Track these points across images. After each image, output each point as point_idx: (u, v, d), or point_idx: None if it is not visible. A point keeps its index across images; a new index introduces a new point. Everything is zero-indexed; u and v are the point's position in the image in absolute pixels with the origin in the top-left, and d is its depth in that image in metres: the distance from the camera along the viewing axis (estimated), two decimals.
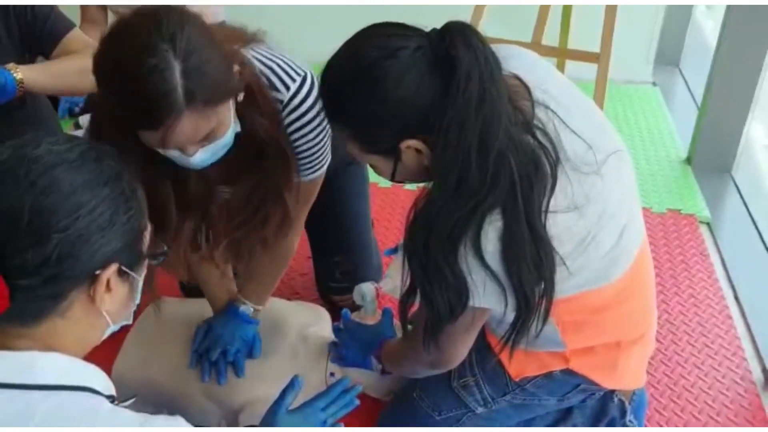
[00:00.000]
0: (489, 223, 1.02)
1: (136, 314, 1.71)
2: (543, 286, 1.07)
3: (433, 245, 1.04)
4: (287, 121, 1.31)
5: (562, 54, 2.82)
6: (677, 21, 3.26)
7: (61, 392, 0.77)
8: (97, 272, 0.80)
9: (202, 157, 1.18)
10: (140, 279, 0.88)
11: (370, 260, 1.83)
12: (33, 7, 1.60)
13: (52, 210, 0.76)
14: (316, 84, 1.30)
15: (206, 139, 1.15)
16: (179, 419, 0.84)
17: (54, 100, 2.52)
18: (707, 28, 3.55)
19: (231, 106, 1.18)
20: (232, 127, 1.20)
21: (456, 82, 0.97)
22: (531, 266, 1.04)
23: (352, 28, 1.10)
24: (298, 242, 1.57)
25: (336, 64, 1.07)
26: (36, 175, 0.76)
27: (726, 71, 2.40)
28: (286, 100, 1.29)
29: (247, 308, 1.56)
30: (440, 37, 1.00)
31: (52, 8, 1.65)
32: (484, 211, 1.01)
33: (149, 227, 0.88)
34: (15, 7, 1.59)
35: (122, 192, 0.82)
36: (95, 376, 0.82)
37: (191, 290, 1.82)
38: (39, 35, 1.63)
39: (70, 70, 1.62)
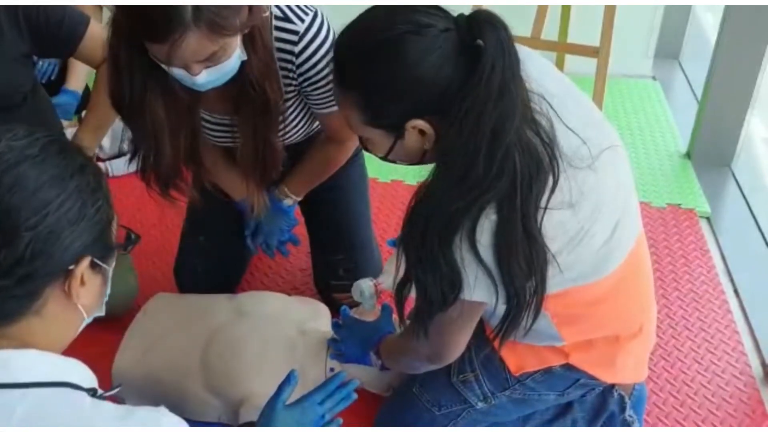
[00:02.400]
0: (485, 216, 1.02)
1: (135, 310, 1.74)
2: (534, 282, 1.07)
3: (430, 233, 1.03)
4: (306, 53, 1.37)
5: (561, 48, 2.82)
6: (677, 15, 3.25)
7: (40, 389, 0.76)
8: (71, 267, 0.79)
9: (206, 78, 1.26)
10: (110, 270, 0.88)
11: (371, 257, 1.84)
12: (44, 8, 1.56)
13: (19, 208, 0.75)
14: (326, 21, 1.39)
15: (210, 60, 1.23)
16: (162, 410, 0.83)
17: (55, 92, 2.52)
18: (707, 22, 3.54)
19: (238, 36, 1.26)
20: (237, 54, 1.28)
21: (480, 72, 0.96)
22: (522, 262, 1.04)
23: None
24: (350, 152, 1.68)
25: (359, 29, 1.04)
26: (0, 171, 0.75)
27: (726, 65, 2.40)
28: (302, 31, 1.35)
29: (289, 200, 1.69)
30: (468, 24, 0.99)
31: (64, 9, 1.62)
32: (482, 204, 1.01)
33: (116, 218, 0.87)
34: (24, 8, 1.55)
35: (88, 184, 0.81)
36: (75, 370, 0.81)
37: (188, 287, 1.82)
38: (54, 39, 1.60)
39: (106, 115, 1.71)
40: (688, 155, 2.59)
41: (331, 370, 1.57)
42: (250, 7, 1.24)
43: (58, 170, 0.78)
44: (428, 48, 0.98)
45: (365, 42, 1.03)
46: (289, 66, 1.40)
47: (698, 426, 1.59)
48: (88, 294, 0.83)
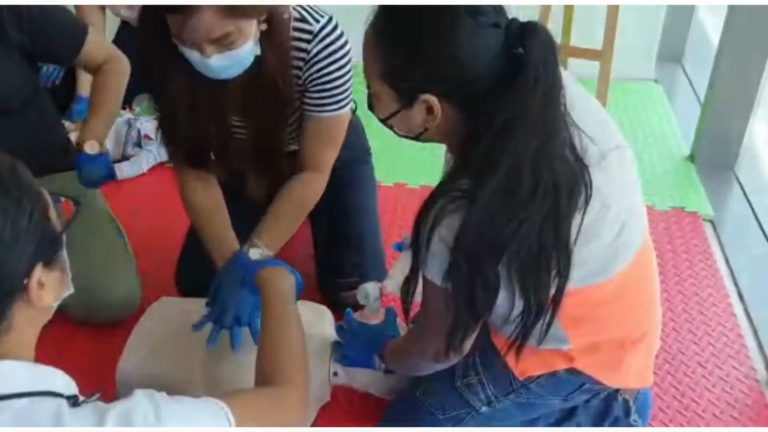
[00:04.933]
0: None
1: (140, 312, 1.74)
2: (555, 291, 1.08)
3: (484, 255, 1.03)
4: (316, 49, 1.42)
5: (564, 51, 2.82)
6: (680, 17, 3.25)
7: (21, 399, 0.75)
8: (25, 281, 0.78)
9: (219, 62, 1.28)
10: (64, 251, 0.85)
11: (378, 253, 1.84)
12: (47, 15, 1.57)
13: None
14: (340, 27, 1.44)
15: (223, 43, 1.25)
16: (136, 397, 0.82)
17: (66, 101, 2.53)
18: (710, 24, 3.55)
19: (253, 23, 1.28)
20: (251, 44, 1.29)
21: (520, 84, 0.97)
22: (549, 274, 1.06)
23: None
24: (321, 189, 1.60)
25: None
26: None
27: (729, 68, 2.39)
28: (316, 30, 1.41)
29: (256, 251, 1.49)
30: (519, 29, 0.99)
31: (65, 17, 1.62)
32: (533, 223, 1.00)
33: (48, 199, 0.83)
34: (28, 13, 1.55)
35: (11, 198, 0.76)
36: (53, 378, 0.80)
37: (189, 291, 1.82)
38: (54, 47, 1.61)
39: (115, 107, 1.77)
40: (691, 158, 2.59)
41: (335, 373, 1.56)
42: None
43: None
44: (476, 34, 0.98)
45: (422, 3, 1.01)
46: (301, 64, 1.44)
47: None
48: (50, 291, 0.82)
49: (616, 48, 2.54)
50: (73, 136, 2.27)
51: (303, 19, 1.42)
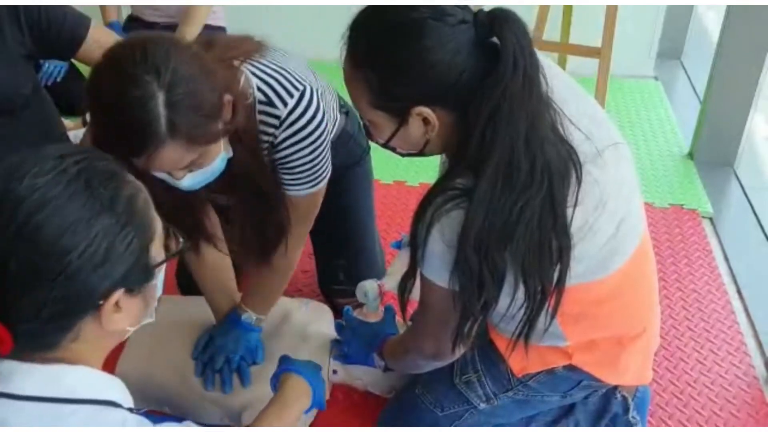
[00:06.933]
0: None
1: None
2: (556, 279, 1.08)
3: (491, 246, 1.03)
4: (284, 135, 1.32)
5: (563, 49, 2.82)
6: (679, 15, 3.25)
7: (89, 405, 0.77)
8: (101, 302, 0.78)
9: (190, 181, 1.21)
10: (157, 282, 0.85)
11: (374, 262, 1.82)
12: (46, 9, 1.55)
13: (40, 257, 0.73)
14: (315, 97, 1.32)
15: (191, 167, 1.18)
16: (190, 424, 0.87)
17: (67, 98, 2.52)
18: (709, 21, 3.55)
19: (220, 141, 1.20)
20: (221, 155, 1.22)
21: (502, 69, 0.97)
22: (552, 263, 1.06)
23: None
24: (299, 257, 1.56)
25: (380, 8, 1.05)
26: (21, 219, 0.73)
27: (728, 65, 2.40)
28: (283, 116, 1.30)
29: (249, 316, 1.55)
30: (487, 20, 1.00)
31: (65, 11, 1.61)
32: (532, 208, 1.01)
33: (159, 231, 0.84)
34: (25, 9, 1.54)
35: (117, 220, 0.77)
36: (117, 389, 0.83)
37: (189, 290, 1.82)
38: (55, 41, 1.58)
39: None
40: (690, 155, 2.59)
41: (335, 371, 1.57)
42: (234, 106, 1.19)
43: (83, 212, 0.75)
44: (446, 35, 0.99)
45: (385, 21, 1.03)
46: (267, 145, 1.35)
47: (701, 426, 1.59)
48: (125, 317, 0.82)
49: (616, 46, 2.54)
50: (72, 135, 2.27)
51: (270, 102, 1.29)
